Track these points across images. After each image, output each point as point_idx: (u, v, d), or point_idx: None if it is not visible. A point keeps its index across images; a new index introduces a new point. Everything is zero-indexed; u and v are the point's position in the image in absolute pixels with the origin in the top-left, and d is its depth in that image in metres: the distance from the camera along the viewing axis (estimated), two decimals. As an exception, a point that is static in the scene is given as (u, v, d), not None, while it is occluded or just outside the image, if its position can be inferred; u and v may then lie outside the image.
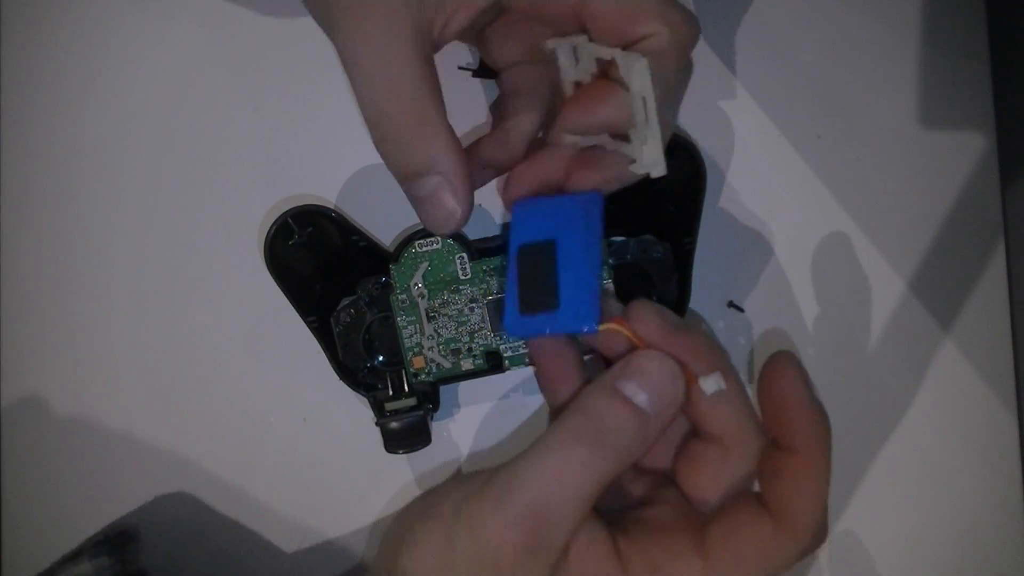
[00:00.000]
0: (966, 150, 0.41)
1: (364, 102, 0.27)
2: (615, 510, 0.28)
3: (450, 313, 0.37)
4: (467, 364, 0.37)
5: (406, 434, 0.38)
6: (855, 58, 0.40)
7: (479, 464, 0.40)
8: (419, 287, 0.37)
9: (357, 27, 0.26)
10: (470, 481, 0.27)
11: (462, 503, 0.26)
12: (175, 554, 0.40)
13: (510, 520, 0.25)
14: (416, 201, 0.28)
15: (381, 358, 0.38)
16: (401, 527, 0.27)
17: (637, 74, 0.25)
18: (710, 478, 0.28)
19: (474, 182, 0.29)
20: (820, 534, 0.26)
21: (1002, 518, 0.41)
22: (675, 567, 0.26)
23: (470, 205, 0.28)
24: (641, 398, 0.26)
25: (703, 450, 0.28)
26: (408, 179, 0.28)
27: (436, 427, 0.40)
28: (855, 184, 0.40)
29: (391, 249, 0.38)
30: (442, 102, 0.27)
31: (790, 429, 0.26)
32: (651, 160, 0.27)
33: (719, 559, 0.26)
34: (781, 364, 0.27)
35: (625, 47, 0.27)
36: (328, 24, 0.27)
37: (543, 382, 0.31)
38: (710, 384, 0.27)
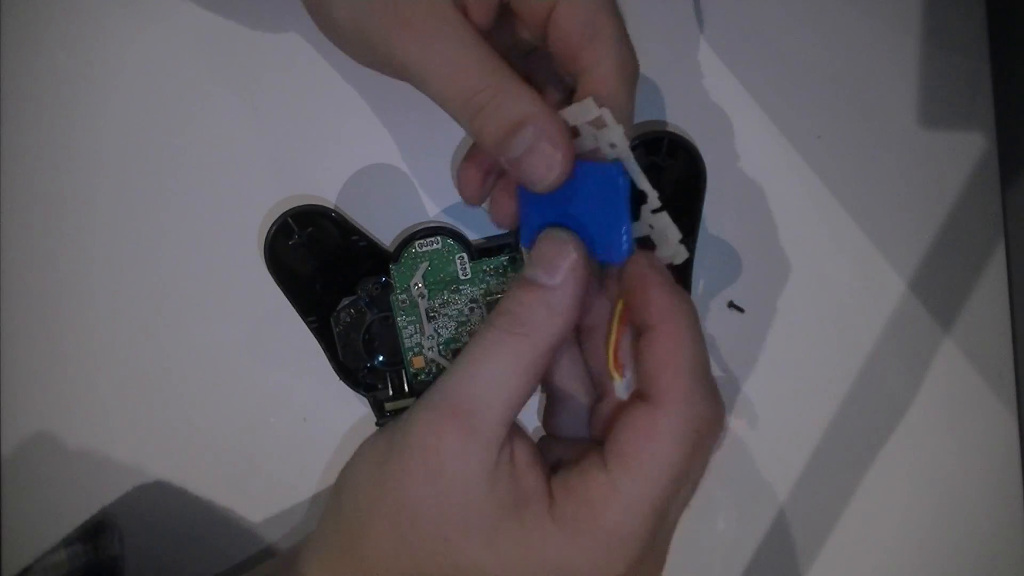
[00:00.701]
0: (966, 150, 0.41)
1: (448, 86, 0.28)
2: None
3: (450, 313, 0.37)
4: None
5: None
6: (855, 58, 0.40)
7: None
8: (419, 287, 0.37)
9: (416, 29, 0.28)
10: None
11: (400, 419, 0.27)
12: (173, 553, 0.40)
13: (436, 413, 0.26)
14: (517, 162, 0.28)
15: (381, 358, 0.38)
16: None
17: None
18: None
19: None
20: (703, 407, 0.26)
21: (1002, 518, 0.41)
22: (585, 484, 0.26)
23: (570, 150, 0.28)
24: (539, 275, 0.27)
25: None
26: (507, 139, 0.28)
27: (436, 427, 0.40)
28: (855, 184, 0.40)
29: (391, 249, 0.38)
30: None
31: (644, 310, 0.27)
32: (671, 252, 0.28)
33: (613, 459, 0.26)
34: (635, 259, 0.27)
35: (577, 71, 0.29)
36: (384, 44, 0.28)
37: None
38: (620, 389, 0.28)
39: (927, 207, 0.41)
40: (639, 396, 0.27)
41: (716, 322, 0.40)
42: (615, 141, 0.28)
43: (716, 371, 0.40)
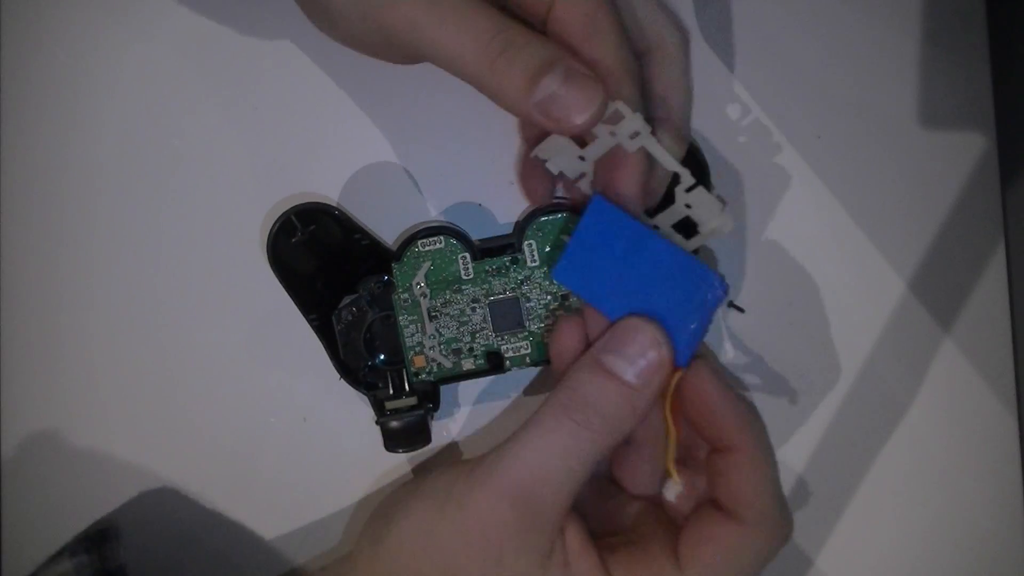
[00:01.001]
0: (966, 150, 0.41)
1: (461, 36, 0.27)
2: (602, 535, 0.29)
3: (452, 313, 0.37)
4: (468, 364, 0.37)
5: (406, 433, 0.38)
6: (855, 58, 0.41)
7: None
8: (421, 286, 0.37)
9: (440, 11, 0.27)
10: (462, 464, 0.28)
11: (453, 482, 0.27)
12: (174, 555, 0.39)
13: (499, 495, 0.26)
14: (549, 102, 0.26)
15: (382, 357, 0.38)
16: (390, 504, 0.28)
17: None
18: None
19: None
20: (781, 522, 0.27)
21: (1002, 518, 0.41)
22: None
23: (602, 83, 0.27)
24: (625, 370, 0.27)
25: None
26: (535, 80, 0.26)
27: (436, 427, 0.40)
28: (855, 184, 0.41)
29: (393, 248, 0.38)
30: None
31: (721, 428, 0.27)
32: (717, 223, 0.28)
33: (691, 564, 0.26)
34: (698, 369, 0.27)
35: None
36: (413, 41, 0.27)
37: (555, 354, 0.31)
38: (669, 491, 0.29)
39: (927, 207, 0.41)
40: (722, 510, 0.27)
41: (716, 322, 0.40)
42: (637, 128, 0.27)
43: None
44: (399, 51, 0.29)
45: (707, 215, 0.28)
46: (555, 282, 0.30)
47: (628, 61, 0.29)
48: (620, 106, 0.27)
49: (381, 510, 0.28)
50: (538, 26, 0.29)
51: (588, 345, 0.30)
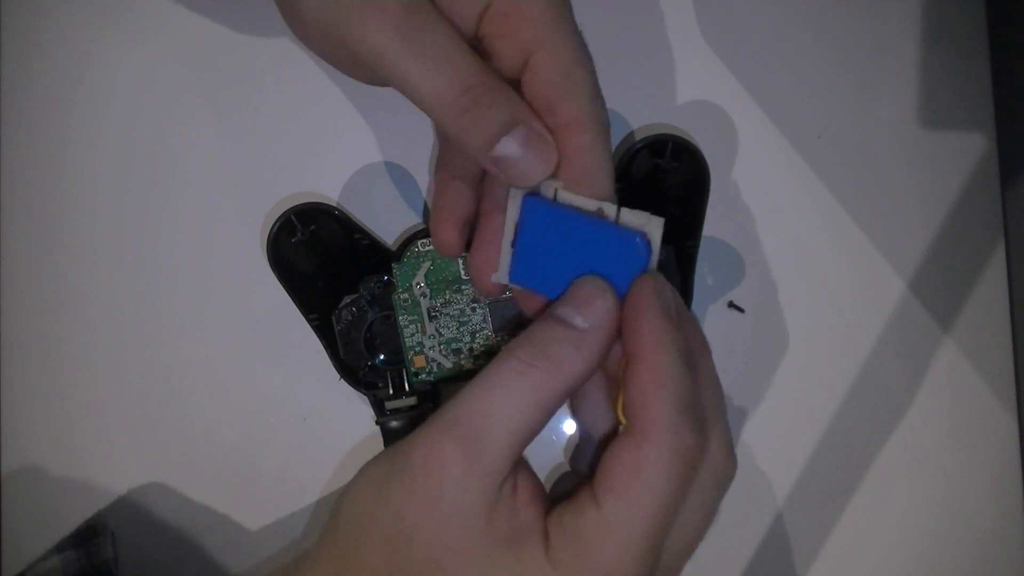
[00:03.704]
0: (966, 150, 0.41)
1: (434, 83, 0.27)
2: None
3: (452, 313, 0.37)
4: (468, 364, 0.37)
5: (406, 433, 0.37)
6: (855, 58, 0.41)
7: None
8: (421, 286, 0.37)
9: (391, 14, 0.27)
10: None
11: (407, 438, 0.27)
12: (174, 555, 0.39)
13: (441, 433, 0.25)
14: (510, 159, 0.28)
15: (382, 357, 0.38)
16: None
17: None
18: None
19: None
20: (685, 435, 0.25)
21: (1002, 518, 0.41)
22: (578, 521, 0.25)
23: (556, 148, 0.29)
24: (573, 316, 0.27)
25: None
26: (497, 138, 0.28)
27: (437, 427, 0.40)
28: (855, 184, 0.41)
29: (393, 248, 0.38)
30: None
31: (633, 336, 0.26)
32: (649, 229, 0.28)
33: (602, 493, 0.25)
34: (643, 281, 0.27)
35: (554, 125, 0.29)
36: (355, 30, 0.27)
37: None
38: None
39: (927, 207, 0.41)
40: (627, 430, 0.26)
41: (717, 322, 0.40)
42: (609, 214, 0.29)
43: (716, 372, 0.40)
44: (367, 74, 0.30)
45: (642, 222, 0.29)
46: (511, 284, 0.30)
47: (602, 117, 0.30)
48: (605, 206, 0.29)
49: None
50: (514, 73, 0.29)
51: None
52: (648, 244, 0.28)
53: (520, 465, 0.27)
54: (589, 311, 0.27)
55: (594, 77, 0.29)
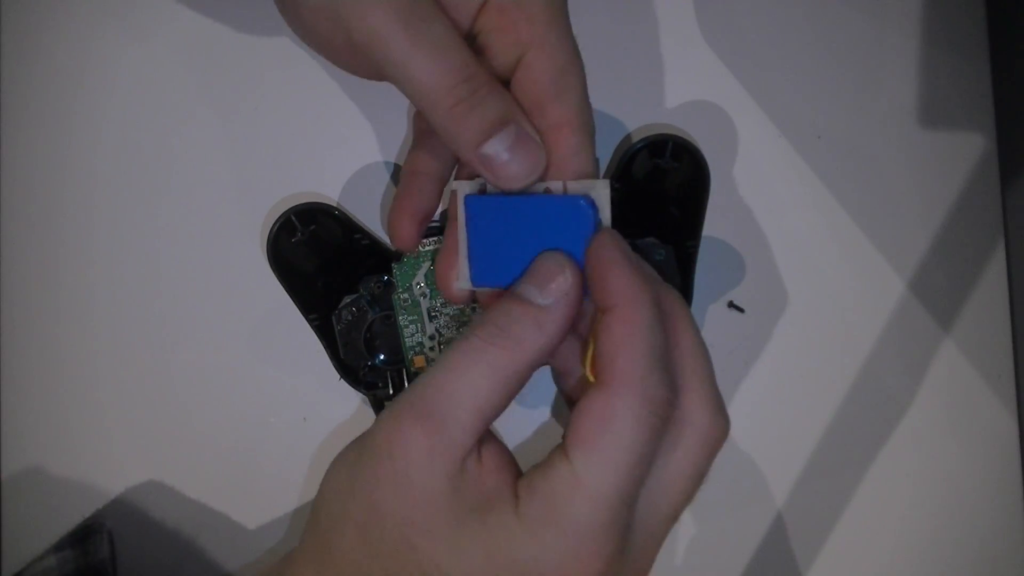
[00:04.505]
0: (966, 150, 0.41)
1: (429, 71, 0.27)
2: None
3: (452, 313, 0.37)
4: (468, 363, 0.37)
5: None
6: (855, 58, 0.41)
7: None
8: (421, 286, 0.37)
9: (392, 2, 0.27)
10: None
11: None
12: (174, 554, 0.39)
13: (402, 413, 0.26)
14: (498, 160, 0.28)
15: (382, 357, 0.38)
16: None
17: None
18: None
19: None
20: (654, 386, 0.25)
21: (1002, 518, 0.41)
22: (548, 478, 0.25)
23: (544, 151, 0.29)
24: (534, 294, 0.27)
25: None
26: (487, 136, 0.28)
27: (437, 427, 0.40)
28: (855, 184, 0.41)
29: (393, 248, 0.38)
30: None
31: (604, 290, 0.26)
32: (595, 192, 0.28)
33: (573, 448, 0.25)
34: (601, 237, 0.27)
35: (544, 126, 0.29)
36: (355, 16, 0.27)
37: None
38: None
39: (927, 207, 0.41)
40: (597, 383, 0.26)
41: (717, 322, 0.40)
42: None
43: (716, 372, 0.40)
44: (364, 63, 0.29)
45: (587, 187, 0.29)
46: (475, 288, 0.30)
47: (590, 121, 0.30)
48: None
49: None
50: (506, 70, 0.30)
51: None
52: (592, 204, 0.27)
53: (486, 438, 0.27)
54: (550, 288, 0.27)
55: (585, 80, 0.30)
